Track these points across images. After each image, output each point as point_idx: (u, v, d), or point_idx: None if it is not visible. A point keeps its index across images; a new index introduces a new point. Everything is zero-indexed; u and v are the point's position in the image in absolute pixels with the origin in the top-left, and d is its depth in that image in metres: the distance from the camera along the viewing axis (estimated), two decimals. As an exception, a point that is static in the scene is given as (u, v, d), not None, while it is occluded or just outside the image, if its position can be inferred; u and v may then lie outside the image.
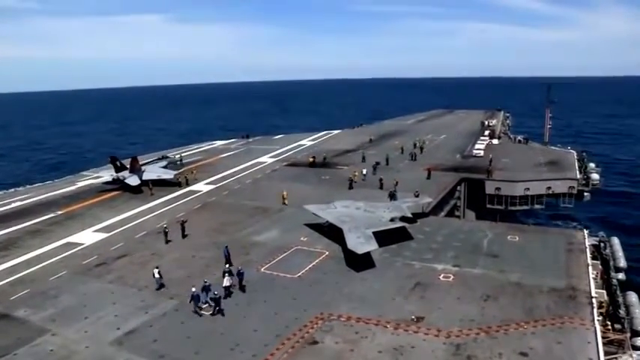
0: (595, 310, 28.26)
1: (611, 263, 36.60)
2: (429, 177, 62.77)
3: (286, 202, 52.90)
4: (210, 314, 29.38)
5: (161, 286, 32.85)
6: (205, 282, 31.16)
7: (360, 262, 35.33)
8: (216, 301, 29.57)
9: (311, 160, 75.67)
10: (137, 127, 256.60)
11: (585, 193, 61.79)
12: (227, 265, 32.78)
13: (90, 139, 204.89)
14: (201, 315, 29.32)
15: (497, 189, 60.88)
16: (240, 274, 32.50)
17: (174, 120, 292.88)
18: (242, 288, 32.37)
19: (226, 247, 37.52)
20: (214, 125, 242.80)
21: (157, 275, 33.04)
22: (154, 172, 65.48)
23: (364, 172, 64.72)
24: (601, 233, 41.09)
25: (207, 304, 30.13)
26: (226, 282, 31.34)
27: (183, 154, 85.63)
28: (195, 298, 29.60)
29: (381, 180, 59.22)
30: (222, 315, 29.22)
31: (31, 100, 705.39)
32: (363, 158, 75.76)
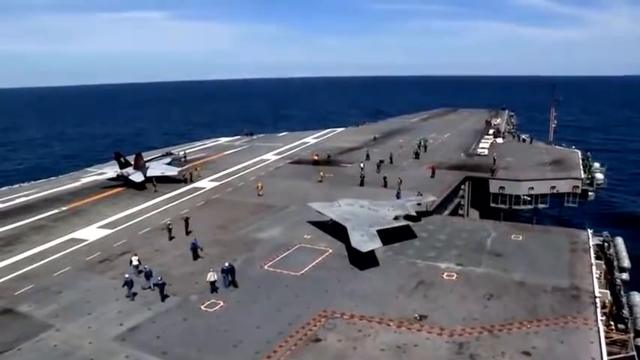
0: (598, 310, 28.17)
1: (615, 263, 36.43)
2: (432, 175, 62.66)
3: (260, 193, 55.13)
4: (161, 300, 30.50)
5: (139, 272, 33.24)
6: (145, 268, 32.74)
7: (363, 261, 35.31)
8: (160, 287, 30.62)
9: (315, 157, 75.64)
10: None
11: (590, 193, 61.66)
12: (227, 264, 32.81)
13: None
14: (133, 299, 30.89)
15: (502, 188, 60.71)
16: (231, 270, 32.50)
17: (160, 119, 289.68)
18: (234, 283, 32.48)
19: (194, 242, 38.00)
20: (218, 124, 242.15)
21: (135, 262, 34.16)
22: (158, 168, 65.56)
23: (362, 165, 65.06)
24: (605, 233, 40.91)
25: (149, 289, 31.79)
26: (210, 277, 31.54)
27: (187, 151, 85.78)
28: (128, 284, 31.02)
29: (385, 178, 59.16)
30: (162, 301, 30.37)
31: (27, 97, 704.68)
32: (368, 156, 75.69)
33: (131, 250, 39.50)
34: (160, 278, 31.10)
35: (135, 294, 31.25)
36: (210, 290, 31.48)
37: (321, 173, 64.03)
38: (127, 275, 31.73)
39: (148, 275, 32.15)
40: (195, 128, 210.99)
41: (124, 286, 31.24)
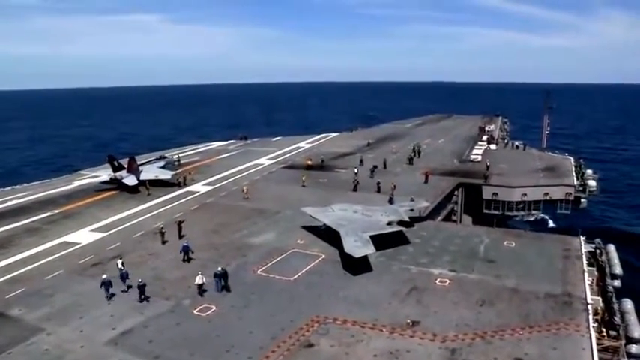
0: (590, 317, 28.33)
1: (607, 270, 36.62)
2: (426, 181, 62.81)
3: (247, 196, 55.95)
4: (138, 301, 30.94)
5: (121, 276, 33.20)
6: (122, 269, 33.23)
7: (356, 266, 35.34)
8: (141, 288, 31.05)
9: (308, 163, 75.64)
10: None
11: (582, 200, 61.91)
12: (220, 268, 32.76)
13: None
14: (110, 298, 31.43)
15: (495, 194, 60.95)
16: (223, 275, 32.48)
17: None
18: (227, 288, 32.46)
19: (186, 244, 38.02)
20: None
21: (119, 266, 34.28)
22: (151, 172, 65.37)
23: (356, 170, 65.78)
24: (597, 240, 41.11)
25: (124, 291, 32.27)
26: (198, 280, 31.66)
27: (181, 155, 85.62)
28: (106, 284, 31.42)
29: (378, 184, 59.26)
30: (147, 301, 30.93)
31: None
32: (361, 161, 75.77)
33: (123, 254, 39.40)
34: (140, 280, 31.31)
35: (113, 294, 31.63)
36: (198, 293, 31.51)
37: (303, 178, 64.22)
38: (104, 276, 32.05)
39: (124, 277, 32.58)
40: (185, 132, 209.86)
41: (101, 286, 31.49)
